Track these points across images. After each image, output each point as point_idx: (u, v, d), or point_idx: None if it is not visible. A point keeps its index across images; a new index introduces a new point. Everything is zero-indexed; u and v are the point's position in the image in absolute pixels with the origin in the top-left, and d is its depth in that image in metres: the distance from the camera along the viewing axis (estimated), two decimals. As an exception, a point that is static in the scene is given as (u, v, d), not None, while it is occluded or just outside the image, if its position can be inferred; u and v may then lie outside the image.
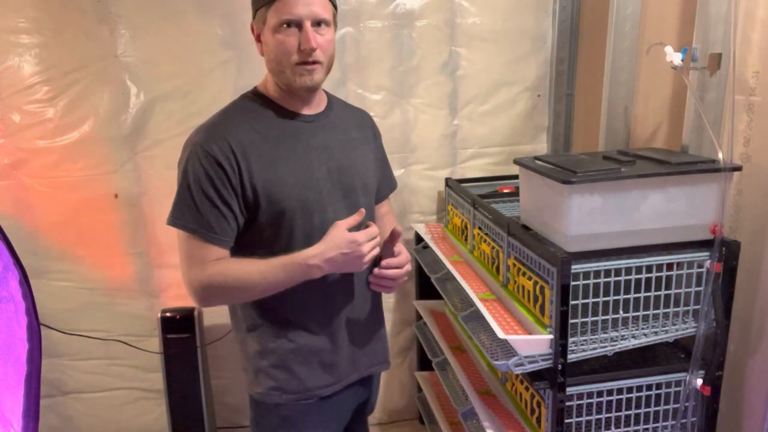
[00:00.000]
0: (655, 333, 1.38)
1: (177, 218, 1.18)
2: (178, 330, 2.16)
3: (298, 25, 1.15)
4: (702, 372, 1.40)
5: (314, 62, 1.17)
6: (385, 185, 1.49)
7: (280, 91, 1.23)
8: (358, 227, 1.22)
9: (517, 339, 1.36)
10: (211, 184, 1.16)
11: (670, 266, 1.36)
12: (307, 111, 1.27)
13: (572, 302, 1.29)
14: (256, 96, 1.27)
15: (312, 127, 1.26)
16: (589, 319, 1.35)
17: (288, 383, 1.28)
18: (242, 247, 1.22)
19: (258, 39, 1.23)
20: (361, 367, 1.38)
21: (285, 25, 1.15)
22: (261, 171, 1.18)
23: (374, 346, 1.41)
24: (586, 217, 1.28)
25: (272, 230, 1.21)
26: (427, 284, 2.14)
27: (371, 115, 1.47)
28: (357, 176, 1.31)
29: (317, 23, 1.16)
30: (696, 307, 1.38)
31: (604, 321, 1.37)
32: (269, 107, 1.24)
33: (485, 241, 1.71)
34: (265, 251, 1.20)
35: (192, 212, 1.16)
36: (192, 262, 1.18)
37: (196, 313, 2.17)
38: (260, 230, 1.21)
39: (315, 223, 1.23)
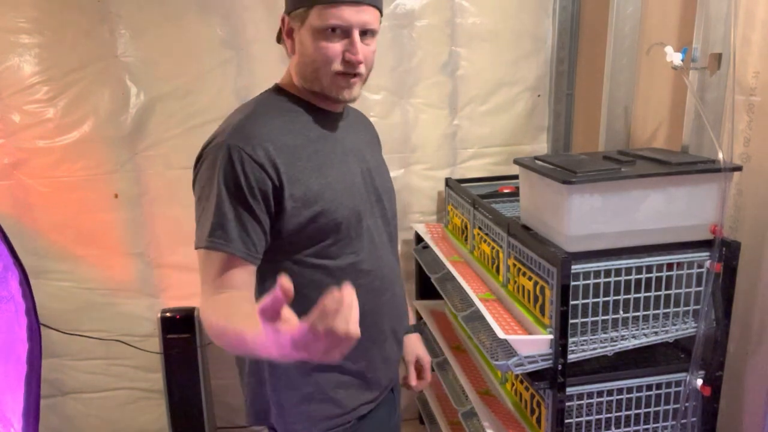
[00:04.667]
0: (655, 333, 1.38)
1: (218, 237, 1.00)
2: (178, 330, 2.16)
3: (346, 32, 1.03)
4: (702, 372, 1.40)
5: (356, 74, 1.06)
6: None
7: (310, 90, 1.12)
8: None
9: (517, 339, 1.36)
10: (250, 192, 1.01)
11: (670, 266, 1.36)
12: (334, 110, 1.16)
13: (572, 302, 1.29)
14: (282, 93, 1.14)
15: (342, 127, 1.17)
16: (589, 319, 1.35)
17: (323, 410, 1.16)
18: (295, 261, 1.09)
19: (288, 35, 1.10)
20: (394, 375, 1.29)
21: (330, 30, 1.02)
22: (311, 178, 1.06)
23: (400, 349, 1.34)
24: (586, 217, 1.28)
25: (320, 242, 1.09)
26: (427, 284, 2.14)
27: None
28: (383, 178, 1.24)
29: (364, 32, 1.05)
30: (696, 307, 1.38)
31: (604, 321, 1.37)
32: (300, 105, 1.12)
33: (485, 241, 1.71)
34: (316, 261, 1.10)
35: (234, 228, 1.01)
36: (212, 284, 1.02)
37: (196, 313, 2.17)
38: (304, 244, 1.08)
39: (360, 232, 1.13)
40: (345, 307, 0.71)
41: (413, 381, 1.41)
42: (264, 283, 1.12)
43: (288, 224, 1.05)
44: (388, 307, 1.22)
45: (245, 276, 1.04)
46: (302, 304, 1.09)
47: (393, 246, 1.28)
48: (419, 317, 2.35)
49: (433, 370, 2.15)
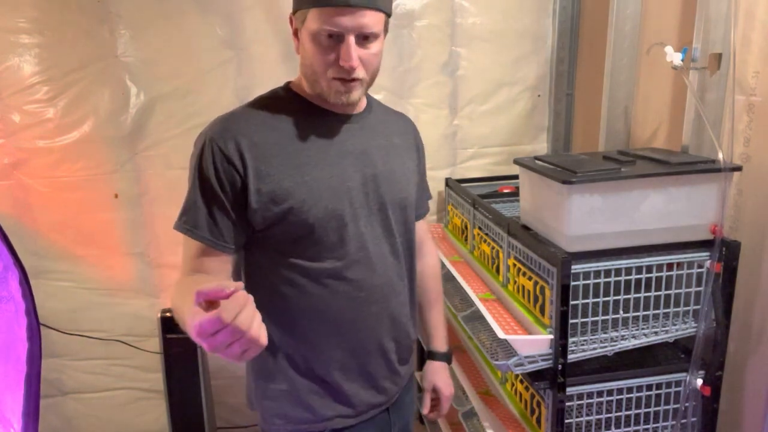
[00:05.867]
0: (655, 333, 1.38)
1: (185, 223, 1.07)
2: (178, 330, 2.12)
3: (341, 36, 1.00)
4: (702, 372, 1.40)
5: (353, 79, 1.04)
6: (421, 204, 1.34)
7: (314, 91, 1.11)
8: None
9: (517, 339, 1.36)
10: (219, 184, 1.04)
11: (670, 266, 1.36)
12: (344, 111, 1.13)
13: (572, 302, 1.29)
14: (287, 92, 1.14)
15: (349, 129, 1.13)
16: (589, 319, 1.35)
17: (295, 412, 1.16)
18: (273, 258, 1.11)
19: (295, 34, 1.09)
20: (385, 394, 1.23)
21: (326, 35, 1.00)
22: (285, 175, 1.05)
23: (407, 368, 1.28)
24: (586, 217, 1.28)
25: (296, 242, 1.09)
26: (427, 284, 2.13)
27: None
28: (395, 187, 1.17)
29: (364, 36, 1.02)
30: (696, 307, 1.38)
31: (604, 321, 1.37)
32: (301, 104, 1.12)
33: (485, 241, 1.71)
34: (295, 260, 1.10)
35: (203, 216, 1.05)
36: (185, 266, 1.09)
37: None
38: (281, 241, 1.09)
39: (345, 238, 1.10)
40: (248, 305, 0.76)
41: (425, 409, 1.37)
42: (248, 280, 1.15)
43: (256, 218, 1.06)
44: (374, 321, 1.16)
45: (215, 263, 1.07)
46: (279, 300, 1.13)
47: (398, 260, 1.20)
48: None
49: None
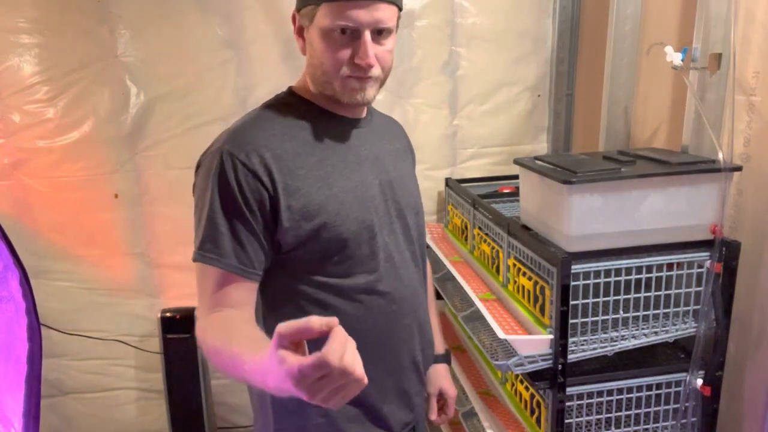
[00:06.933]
0: (655, 333, 1.38)
1: (208, 251, 0.95)
2: (178, 330, 2.16)
3: (356, 32, 0.95)
4: (702, 372, 1.40)
5: (368, 77, 0.98)
6: None
7: (323, 93, 1.04)
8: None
9: (517, 339, 1.36)
10: (244, 202, 0.94)
11: (670, 266, 1.36)
12: (354, 114, 1.08)
13: (572, 302, 1.29)
14: (293, 97, 1.07)
15: (360, 134, 1.08)
16: (589, 319, 1.35)
17: None
18: (295, 280, 1.03)
19: (299, 34, 1.03)
20: (415, 411, 1.18)
21: (340, 31, 0.95)
22: (313, 188, 0.98)
23: (422, 383, 1.22)
24: (586, 217, 1.28)
25: (327, 260, 1.01)
26: (427, 284, 2.13)
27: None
28: (407, 191, 1.14)
29: (379, 31, 0.97)
30: (696, 307, 1.38)
31: (604, 321, 1.37)
32: (312, 110, 1.05)
33: (485, 241, 1.71)
34: (325, 279, 1.03)
35: (228, 241, 0.95)
36: (204, 299, 0.98)
37: (196, 313, 2.17)
38: (309, 261, 1.01)
39: (375, 249, 1.05)
40: (350, 343, 0.66)
41: (433, 415, 1.33)
42: (269, 305, 1.06)
43: (287, 238, 0.98)
44: (406, 334, 1.12)
45: (243, 293, 0.98)
46: None
47: (418, 268, 1.17)
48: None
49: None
